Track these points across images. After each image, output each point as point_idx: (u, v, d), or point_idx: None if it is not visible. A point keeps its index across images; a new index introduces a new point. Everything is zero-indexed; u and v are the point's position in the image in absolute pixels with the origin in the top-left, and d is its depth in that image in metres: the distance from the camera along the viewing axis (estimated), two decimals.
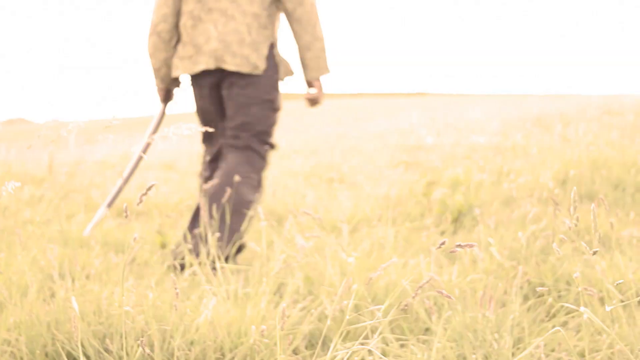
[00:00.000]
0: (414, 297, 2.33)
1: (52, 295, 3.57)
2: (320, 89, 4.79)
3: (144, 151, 5.21)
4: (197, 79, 4.72)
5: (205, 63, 4.55)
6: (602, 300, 3.41)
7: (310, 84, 4.79)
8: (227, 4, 4.51)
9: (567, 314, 3.32)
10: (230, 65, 4.51)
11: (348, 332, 3.19)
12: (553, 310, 3.40)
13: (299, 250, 3.81)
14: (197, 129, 2.89)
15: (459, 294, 3.53)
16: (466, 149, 10.30)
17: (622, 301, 3.36)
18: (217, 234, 3.94)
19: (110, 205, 5.15)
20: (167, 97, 5.09)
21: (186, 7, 4.59)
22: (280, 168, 9.40)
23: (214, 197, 4.40)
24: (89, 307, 3.20)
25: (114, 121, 2.91)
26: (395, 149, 11.55)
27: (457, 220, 5.47)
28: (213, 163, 4.94)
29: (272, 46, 4.70)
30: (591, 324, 3.05)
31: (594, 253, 2.22)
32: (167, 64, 4.81)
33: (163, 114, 5.19)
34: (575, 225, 2.32)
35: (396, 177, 8.11)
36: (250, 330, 3.00)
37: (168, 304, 3.20)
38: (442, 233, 5.23)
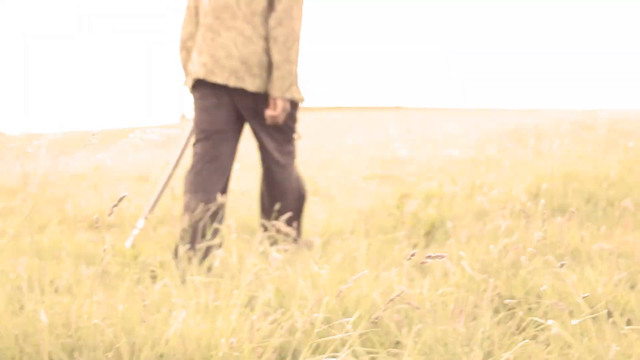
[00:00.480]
0: (384, 310, 2.34)
1: (21, 308, 3.54)
2: (279, 108, 4.91)
3: (180, 157, 5.52)
4: (214, 88, 4.97)
5: (224, 79, 4.86)
6: (572, 314, 3.42)
7: (273, 101, 4.95)
8: (244, 25, 4.83)
9: (537, 327, 3.33)
10: (250, 87, 4.86)
11: (318, 345, 3.18)
12: (523, 324, 3.40)
13: (270, 263, 3.82)
14: (165, 133, 2.95)
15: (430, 307, 3.53)
16: (441, 162, 10.35)
17: (592, 314, 3.38)
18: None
19: (147, 216, 5.43)
20: None
21: (205, 21, 4.94)
22: (254, 181, 9.40)
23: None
24: (57, 320, 3.18)
25: (93, 139, 2.91)
26: (370, 161, 11.59)
27: (429, 233, 5.48)
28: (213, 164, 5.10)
29: None
30: (560, 338, 3.06)
31: (562, 266, 2.24)
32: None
33: None
34: (544, 238, 2.33)
35: (370, 190, 8.12)
36: (220, 343, 2.99)
37: (137, 317, 3.18)
38: (415, 246, 5.24)
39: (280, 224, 4.08)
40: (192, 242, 4.70)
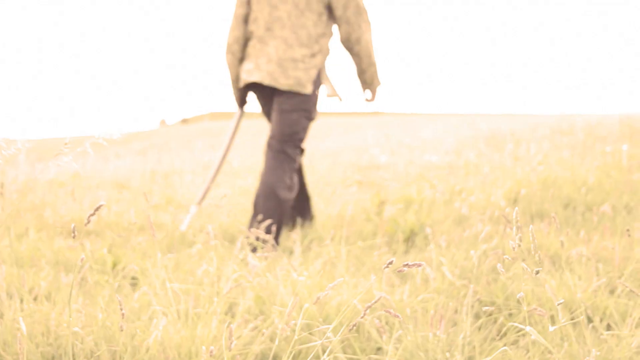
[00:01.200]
0: (363, 316, 2.33)
1: (0, 316, 3.51)
2: (374, 94, 6.03)
3: (228, 150, 6.42)
4: (259, 88, 5.78)
5: (261, 78, 5.55)
6: (552, 319, 3.43)
7: (368, 93, 6.06)
8: (289, 34, 5.55)
9: (517, 332, 3.34)
10: (283, 86, 5.53)
11: (300, 352, 3.18)
12: (504, 329, 3.41)
13: (250, 270, 3.82)
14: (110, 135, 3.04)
15: (410, 313, 3.54)
16: (419, 168, 10.35)
17: (572, 319, 3.40)
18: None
19: (200, 202, 6.33)
20: (242, 101, 6.15)
21: (257, 32, 5.67)
22: (234, 187, 9.38)
23: (258, 199, 5.56)
24: (37, 328, 3.16)
25: (65, 148, 2.89)
26: (349, 167, 11.57)
27: (409, 239, 5.49)
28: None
29: (319, 72, 5.74)
30: (541, 343, 3.06)
31: (537, 272, 2.24)
32: (239, 76, 5.91)
33: (241, 115, 6.35)
34: (519, 245, 2.34)
35: (349, 196, 8.12)
36: (201, 351, 2.98)
37: (118, 325, 3.16)
38: (394, 252, 5.24)
39: (260, 231, 4.07)
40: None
